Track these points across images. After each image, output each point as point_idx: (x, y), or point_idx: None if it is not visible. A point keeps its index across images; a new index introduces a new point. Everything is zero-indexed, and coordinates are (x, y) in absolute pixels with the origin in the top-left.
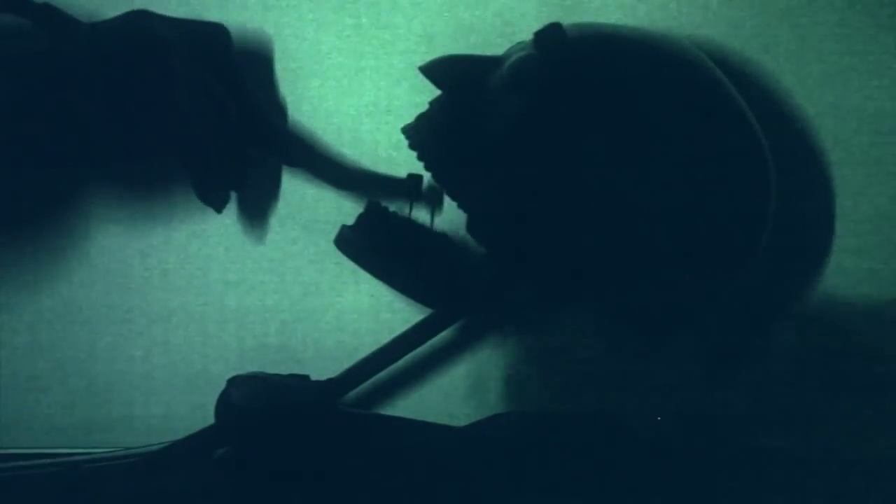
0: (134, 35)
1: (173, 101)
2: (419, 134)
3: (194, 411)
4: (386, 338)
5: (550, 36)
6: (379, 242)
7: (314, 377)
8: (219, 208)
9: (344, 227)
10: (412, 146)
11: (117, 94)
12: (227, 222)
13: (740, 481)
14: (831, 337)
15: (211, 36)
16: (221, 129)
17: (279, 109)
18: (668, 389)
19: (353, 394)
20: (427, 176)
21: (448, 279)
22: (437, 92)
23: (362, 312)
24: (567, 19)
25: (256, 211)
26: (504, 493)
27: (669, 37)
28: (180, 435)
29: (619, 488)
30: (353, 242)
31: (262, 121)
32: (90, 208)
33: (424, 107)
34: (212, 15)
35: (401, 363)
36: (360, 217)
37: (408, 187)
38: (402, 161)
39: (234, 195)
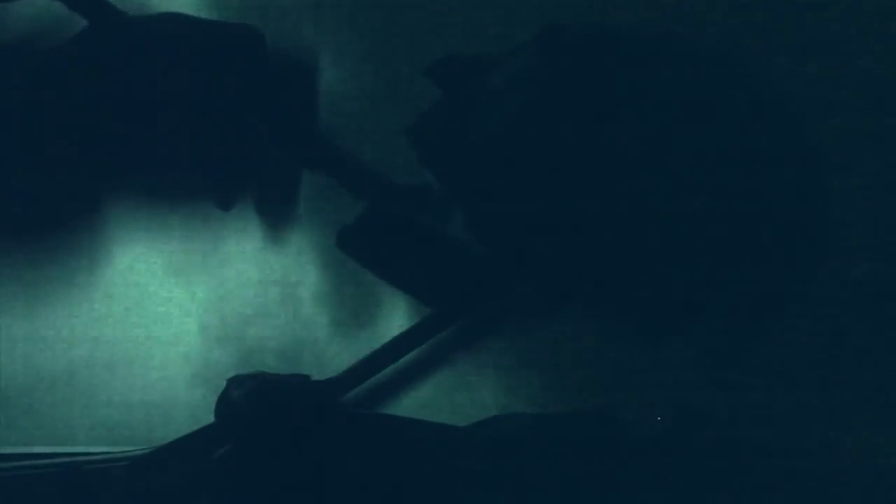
0: (163, 35)
1: (194, 101)
2: (420, 134)
3: (194, 411)
4: (386, 338)
5: (550, 36)
6: (379, 242)
7: (314, 377)
8: (226, 208)
9: (344, 227)
10: (413, 146)
11: (139, 92)
12: (228, 222)
13: (740, 481)
14: (831, 337)
15: (243, 39)
16: (239, 131)
17: (309, 113)
18: (668, 389)
19: (353, 394)
20: (428, 176)
21: (448, 279)
22: (439, 92)
23: (362, 312)
24: (566, 19)
25: (273, 210)
26: (504, 493)
27: (669, 35)
28: (180, 435)
29: (619, 488)
30: (354, 242)
31: (288, 124)
32: (95, 209)
33: (426, 107)
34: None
35: (401, 363)
36: (360, 217)
37: (409, 189)
38: (404, 161)
39: (249, 196)
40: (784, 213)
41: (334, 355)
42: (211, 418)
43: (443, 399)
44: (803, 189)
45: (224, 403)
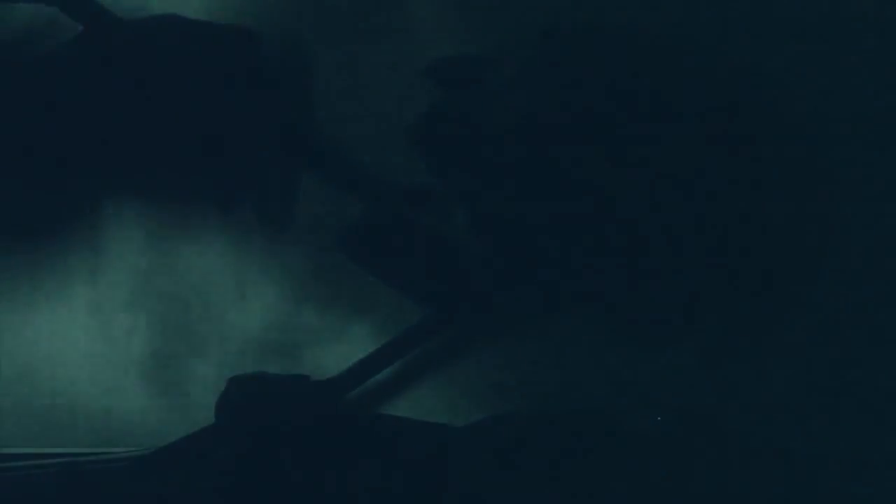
0: (161, 37)
1: (194, 103)
2: (420, 134)
3: (194, 410)
4: (386, 338)
5: (549, 37)
6: (379, 243)
7: (314, 377)
8: (226, 208)
9: (344, 228)
10: (413, 146)
11: (138, 94)
12: (227, 222)
13: (740, 481)
14: (831, 337)
15: (239, 41)
16: (238, 132)
17: (308, 113)
18: (668, 389)
19: (353, 394)
20: (428, 176)
21: (448, 279)
22: (439, 92)
23: (362, 313)
24: (565, 19)
25: (273, 211)
26: (504, 493)
27: (668, 36)
28: (180, 435)
29: (619, 488)
30: (353, 242)
31: (286, 124)
32: (95, 209)
33: (426, 108)
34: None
35: (401, 363)
36: (361, 217)
37: (409, 189)
38: (404, 161)
39: (249, 197)
40: (782, 215)
41: (334, 355)
42: (210, 419)
43: (442, 399)
44: (802, 192)
45: (224, 404)
